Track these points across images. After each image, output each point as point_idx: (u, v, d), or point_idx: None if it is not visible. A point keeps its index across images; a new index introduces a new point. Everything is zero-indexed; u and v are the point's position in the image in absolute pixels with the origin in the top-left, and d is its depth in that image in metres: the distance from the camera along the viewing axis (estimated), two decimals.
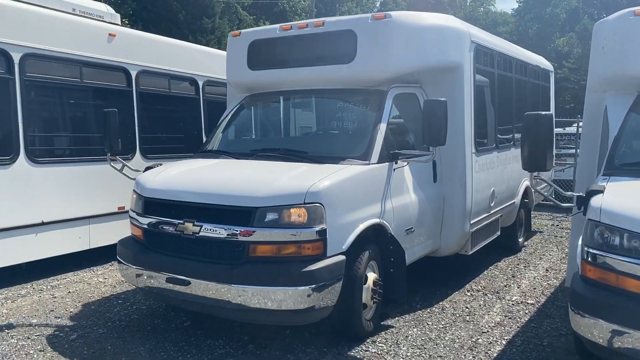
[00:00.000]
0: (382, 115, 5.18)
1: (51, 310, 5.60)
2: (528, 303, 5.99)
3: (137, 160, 7.78)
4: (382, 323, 5.22)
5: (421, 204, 5.59)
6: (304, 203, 4.23)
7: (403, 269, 5.11)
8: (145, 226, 4.78)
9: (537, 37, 42.00)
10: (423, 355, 4.61)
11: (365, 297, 4.75)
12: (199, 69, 9.00)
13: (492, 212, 6.92)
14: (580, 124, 8.31)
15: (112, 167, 5.67)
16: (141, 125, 8.03)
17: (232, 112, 6.05)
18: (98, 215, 7.23)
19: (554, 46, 40.90)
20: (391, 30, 5.31)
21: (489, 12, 51.51)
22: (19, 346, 4.69)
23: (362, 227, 4.61)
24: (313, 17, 35.17)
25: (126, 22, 21.86)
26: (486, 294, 6.26)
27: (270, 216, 4.23)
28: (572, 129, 12.96)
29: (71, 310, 5.63)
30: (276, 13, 35.03)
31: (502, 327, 5.27)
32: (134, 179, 5.21)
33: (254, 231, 4.22)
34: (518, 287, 6.56)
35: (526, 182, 7.95)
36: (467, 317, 5.51)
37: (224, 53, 7.06)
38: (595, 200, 3.66)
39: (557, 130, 11.40)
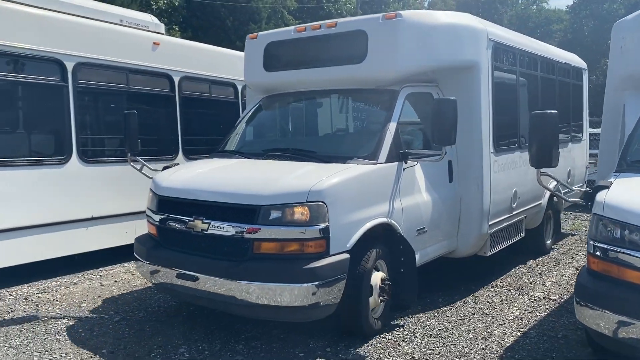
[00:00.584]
0: (392, 115, 5.21)
1: (99, 296, 6.19)
2: (550, 299, 6.01)
3: (180, 160, 8.39)
4: (401, 314, 5.43)
5: (435, 204, 5.58)
6: (307, 201, 4.33)
7: (413, 269, 5.13)
8: (159, 223, 4.99)
9: (593, 34, 40.58)
10: (437, 343, 4.84)
11: (373, 295, 4.80)
12: (237, 74, 9.18)
13: (514, 213, 6.83)
14: None
15: (132, 166, 5.91)
16: (183, 128, 8.63)
17: (248, 114, 6.20)
18: (143, 211, 7.67)
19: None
20: (402, 30, 5.35)
21: (542, 10, 50.09)
22: (70, 327, 5.24)
23: (367, 226, 4.67)
24: None
25: (176, 29, 22.65)
26: (510, 290, 6.38)
27: (274, 214, 4.35)
28: None
29: (116, 296, 6.19)
30: (322, 16, 35.26)
31: (520, 321, 5.39)
32: (152, 178, 5.43)
33: (258, 229, 4.36)
34: (543, 285, 6.57)
35: (554, 183, 7.80)
36: (487, 311, 5.66)
37: None
38: (600, 195, 3.80)
39: (594, 130, 11.07)
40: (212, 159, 5.56)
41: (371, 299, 4.78)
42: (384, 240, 5.03)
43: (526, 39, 7.56)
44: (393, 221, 4.99)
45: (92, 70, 7.30)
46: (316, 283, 4.23)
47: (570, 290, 6.20)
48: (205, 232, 4.57)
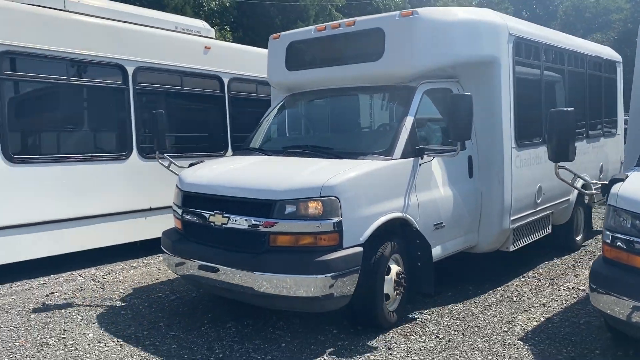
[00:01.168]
0: (409, 111, 5.33)
1: (157, 279, 6.82)
2: (580, 289, 6.11)
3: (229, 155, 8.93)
4: (431, 301, 5.69)
5: (454, 199, 5.65)
6: (320, 196, 4.52)
7: (430, 263, 5.22)
8: (183, 218, 5.25)
9: None
10: (462, 325, 5.16)
11: (388, 288, 4.94)
12: None
13: (539, 208, 6.81)
14: None
15: (160, 163, 6.20)
16: (232, 126, 9.27)
17: (271, 112, 6.40)
18: None
19: None
20: (418, 27, 5.45)
21: (599, 0, 48.50)
22: (132, 304, 5.87)
23: (381, 220, 4.82)
24: None
25: (227, 29, 23.26)
26: (540, 280, 6.55)
27: (289, 208, 4.56)
28: None
29: (172, 279, 6.74)
30: (370, 12, 35.21)
31: (546, 308, 5.60)
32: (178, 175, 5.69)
33: (274, 222, 4.57)
34: (575, 276, 6.66)
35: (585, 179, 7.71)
36: (514, 298, 5.89)
37: None
38: (615, 188, 4.08)
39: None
40: (235, 157, 5.80)
41: (387, 292, 4.95)
42: (400, 234, 5.17)
43: (551, 33, 7.55)
44: (408, 216, 5.11)
45: (150, 73, 8.05)
46: (329, 275, 4.41)
47: None
48: (225, 225, 4.81)
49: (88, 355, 4.55)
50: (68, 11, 7.34)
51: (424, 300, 5.61)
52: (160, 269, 7.21)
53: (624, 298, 3.77)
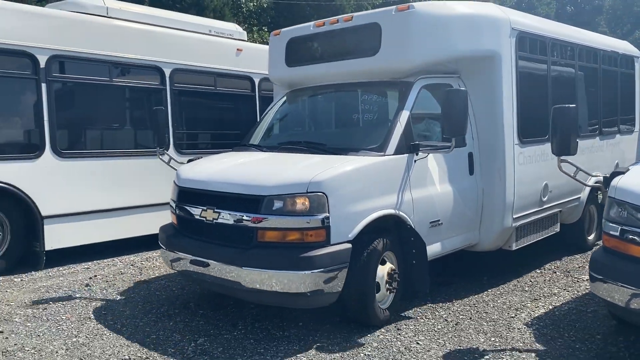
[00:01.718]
0: (404, 106, 5.29)
1: None
2: None
3: None
4: (444, 289, 5.91)
5: (452, 196, 5.59)
6: (307, 192, 4.55)
7: (424, 261, 5.18)
8: (178, 213, 5.31)
9: None
10: (471, 310, 5.39)
11: (380, 286, 4.87)
12: None
13: (545, 206, 6.68)
14: None
15: (161, 159, 6.27)
16: None
17: (271, 108, 6.41)
18: None
19: None
20: (414, 22, 5.42)
21: None
22: (166, 286, 6.28)
23: (372, 217, 4.82)
24: None
25: (265, 29, 23.58)
26: (555, 272, 6.68)
27: (277, 204, 4.61)
28: None
29: None
30: None
31: (556, 297, 5.75)
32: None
33: (262, 218, 4.62)
34: None
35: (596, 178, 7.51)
36: (527, 288, 6.06)
37: None
38: (614, 180, 4.27)
39: None
40: (231, 153, 5.83)
41: (379, 290, 4.93)
42: (394, 231, 5.13)
43: (560, 27, 7.45)
44: (402, 213, 5.09)
45: (186, 74, 8.54)
46: (315, 271, 4.43)
47: None
48: (215, 220, 4.88)
49: (125, 329, 5.03)
50: (110, 17, 7.89)
51: (435, 288, 5.80)
52: None
53: (622, 285, 3.91)
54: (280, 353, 4.46)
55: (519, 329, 4.91)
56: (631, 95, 9.14)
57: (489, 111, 5.94)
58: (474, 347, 4.57)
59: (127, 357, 4.42)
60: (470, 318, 5.18)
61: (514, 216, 6.16)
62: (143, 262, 7.43)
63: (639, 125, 9.34)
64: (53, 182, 6.97)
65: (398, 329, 4.92)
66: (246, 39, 10.37)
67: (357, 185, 4.78)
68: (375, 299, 4.88)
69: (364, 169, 4.85)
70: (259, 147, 5.78)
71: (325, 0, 25.50)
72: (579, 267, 6.75)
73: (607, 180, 4.47)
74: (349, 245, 4.62)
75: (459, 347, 4.54)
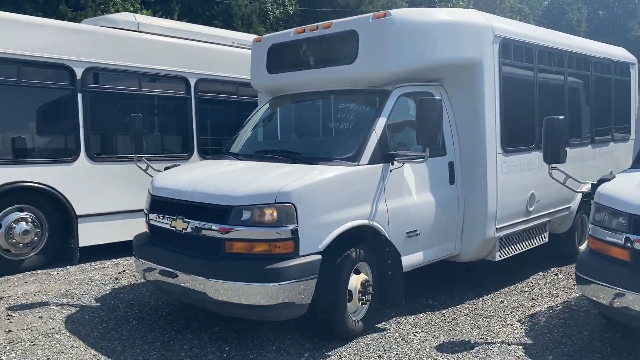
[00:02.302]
0: (380, 115, 5.05)
1: None
2: None
3: None
4: (445, 290, 5.96)
5: (431, 206, 5.36)
6: (275, 203, 4.26)
7: (400, 272, 4.94)
8: (150, 222, 5.17)
9: None
10: (469, 308, 5.50)
11: (353, 297, 4.70)
12: None
13: (532, 216, 6.44)
14: None
15: (138, 166, 6.19)
16: None
17: (253, 116, 6.29)
18: None
19: None
20: (391, 29, 5.12)
21: None
22: None
23: (343, 228, 4.52)
24: None
25: None
26: (558, 275, 6.69)
27: (245, 215, 4.31)
28: None
29: None
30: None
31: (553, 298, 5.81)
32: None
33: (230, 229, 4.33)
34: None
35: (589, 185, 7.35)
36: (527, 289, 6.12)
37: None
38: (600, 187, 4.51)
39: None
40: (208, 161, 5.75)
41: (352, 301, 4.68)
42: (368, 242, 4.94)
43: (548, 34, 6.96)
44: (376, 223, 4.78)
45: (209, 84, 8.76)
46: (283, 283, 4.15)
47: None
48: (185, 230, 4.61)
49: (149, 317, 5.32)
50: (140, 32, 8.14)
51: (438, 288, 5.86)
52: None
53: (606, 285, 4.07)
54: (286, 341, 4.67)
55: (512, 325, 5.02)
56: (626, 103, 8.52)
57: (471, 119, 5.55)
58: (466, 339, 4.71)
59: (151, 340, 4.73)
60: (467, 314, 5.28)
61: (497, 226, 5.73)
62: None
63: (635, 133, 9.18)
64: (87, 184, 7.31)
65: (398, 322, 5.09)
66: None
67: (328, 195, 4.49)
68: (347, 310, 4.57)
69: (335, 179, 4.57)
70: (236, 156, 5.51)
71: (350, 7, 25.59)
72: None
73: (595, 187, 4.61)
74: (319, 257, 4.35)
75: (452, 340, 4.70)
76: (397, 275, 4.96)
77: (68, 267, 7.19)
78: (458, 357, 4.39)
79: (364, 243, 4.87)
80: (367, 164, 4.85)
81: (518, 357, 4.35)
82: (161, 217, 4.96)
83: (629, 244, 4.05)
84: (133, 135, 6.17)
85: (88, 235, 7.40)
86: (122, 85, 7.87)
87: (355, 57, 5.31)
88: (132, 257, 5.39)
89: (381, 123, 5.05)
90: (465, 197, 5.72)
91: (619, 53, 8.50)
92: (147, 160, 6.22)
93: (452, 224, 5.67)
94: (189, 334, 4.82)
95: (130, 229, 7.35)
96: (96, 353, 4.51)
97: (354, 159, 4.84)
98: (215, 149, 8.64)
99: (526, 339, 4.71)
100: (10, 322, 5.16)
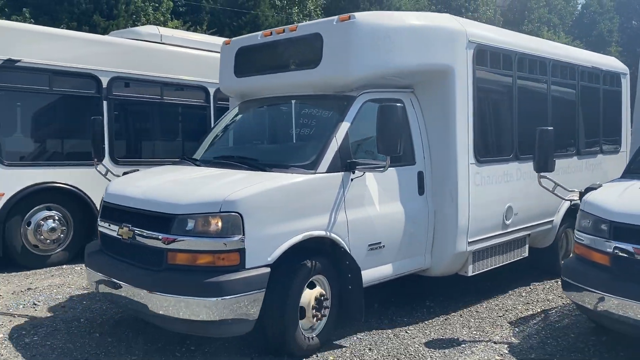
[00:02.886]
0: (342, 122, 4.62)
1: None
2: None
3: None
4: (444, 295, 5.94)
5: (397, 217, 4.98)
6: (220, 212, 3.85)
7: (360, 287, 4.54)
8: (100, 229, 4.88)
9: None
10: (463, 309, 5.57)
11: (306, 312, 4.29)
12: None
13: (509, 230, 6.05)
14: None
15: (98, 171, 5.95)
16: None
17: (220, 120, 6.02)
18: None
19: None
20: (356, 33, 4.65)
21: None
22: None
23: (296, 239, 4.08)
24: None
25: None
26: (557, 281, 6.35)
27: (188, 224, 3.91)
28: None
29: None
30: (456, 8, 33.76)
31: (547, 302, 5.79)
32: None
33: (173, 239, 3.93)
34: None
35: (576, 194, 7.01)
36: (524, 294, 6.14)
37: None
38: (586, 195, 4.61)
39: None
40: (166, 167, 5.45)
41: (305, 317, 4.28)
42: (327, 255, 4.55)
43: (531, 41, 6.34)
44: (334, 235, 4.31)
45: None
46: (226, 298, 3.78)
47: None
48: (131, 239, 4.23)
49: None
50: (163, 43, 8.39)
51: (436, 290, 5.85)
52: None
53: (588, 289, 4.15)
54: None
55: (502, 326, 5.07)
56: (616, 113, 7.79)
57: (441, 128, 5.04)
58: (455, 337, 4.79)
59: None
60: (460, 315, 5.32)
61: (470, 240, 5.19)
62: None
63: (626, 145, 8.84)
64: None
65: (392, 320, 5.15)
66: None
67: (280, 204, 4.07)
68: (299, 326, 4.15)
69: (287, 187, 4.17)
70: (195, 162, 5.13)
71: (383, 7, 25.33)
72: None
73: (582, 196, 4.72)
74: (267, 270, 3.93)
75: (441, 337, 4.79)
76: (357, 290, 4.62)
77: None
78: (444, 352, 4.45)
79: (323, 255, 4.54)
80: (326, 172, 4.49)
81: (502, 355, 4.41)
82: (109, 225, 4.69)
83: (609, 249, 4.13)
84: (92, 139, 5.92)
85: None
86: (145, 93, 8.09)
87: (319, 61, 4.95)
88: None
89: (343, 130, 4.71)
90: (436, 208, 5.34)
91: (609, 62, 8.07)
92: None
93: (421, 237, 5.31)
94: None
95: None
96: (111, 340, 4.66)
97: (312, 166, 4.51)
98: None
99: (513, 338, 4.76)
100: (36, 310, 5.40)
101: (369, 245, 4.68)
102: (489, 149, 5.59)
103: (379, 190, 4.77)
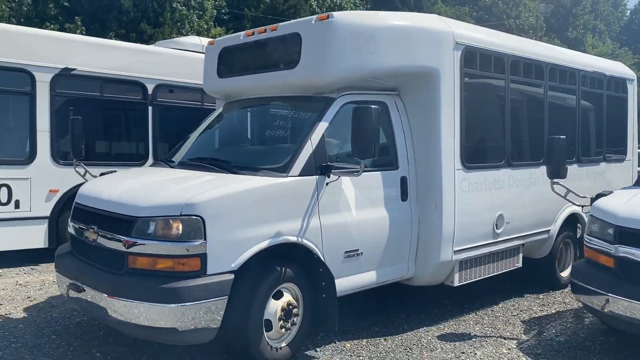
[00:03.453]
0: (318, 124, 4.40)
1: None
2: None
3: None
4: (458, 299, 5.94)
5: (377, 224, 4.72)
6: (181, 215, 3.64)
7: (333, 295, 4.34)
8: (70, 231, 4.76)
9: None
10: (479, 307, 5.74)
11: (272, 323, 4.06)
12: None
13: (500, 239, 5.77)
14: None
15: (77, 172, 5.83)
16: None
17: (204, 122, 5.86)
18: None
19: None
20: (334, 32, 4.41)
21: None
22: None
23: (262, 245, 3.85)
24: (539, 35, 31.54)
25: None
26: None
27: (150, 227, 3.72)
28: None
29: None
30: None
31: (564, 305, 5.94)
32: None
33: (133, 242, 3.75)
34: None
35: (572, 208, 6.69)
36: (541, 296, 6.20)
37: None
38: (596, 201, 4.72)
39: None
40: (141, 169, 5.37)
41: (273, 327, 4.07)
42: (299, 262, 4.31)
43: (524, 43, 6.03)
44: (306, 241, 4.06)
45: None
46: (186, 304, 3.58)
47: None
48: (95, 241, 4.08)
49: None
50: (205, 53, 8.34)
51: (451, 290, 5.70)
52: None
53: (595, 290, 4.26)
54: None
55: (513, 324, 5.17)
56: (621, 120, 7.36)
57: (426, 132, 4.75)
58: (467, 332, 4.94)
59: None
60: (475, 312, 5.46)
61: (455, 249, 4.88)
62: None
63: (633, 153, 8.48)
64: None
65: (408, 315, 5.30)
66: None
67: (246, 208, 3.86)
68: (264, 336, 3.94)
69: (255, 190, 3.95)
70: (170, 164, 4.95)
71: (418, 8, 25.05)
72: None
73: (593, 201, 4.85)
74: (231, 276, 3.71)
75: (454, 332, 4.96)
76: (330, 299, 4.43)
77: None
78: (455, 345, 4.61)
79: (295, 263, 4.35)
80: (298, 176, 4.30)
81: (509, 349, 4.53)
82: (79, 226, 4.56)
83: (614, 252, 4.27)
84: (71, 139, 5.82)
85: None
86: (186, 99, 8.43)
87: (298, 61, 4.72)
88: None
89: (319, 132, 4.48)
90: (420, 215, 5.10)
91: (614, 67, 7.69)
92: None
93: (404, 244, 5.04)
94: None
95: None
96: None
97: (284, 169, 4.28)
98: None
99: (523, 335, 4.87)
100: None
101: (345, 252, 4.44)
102: (477, 154, 5.30)
103: (356, 195, 4.53)
